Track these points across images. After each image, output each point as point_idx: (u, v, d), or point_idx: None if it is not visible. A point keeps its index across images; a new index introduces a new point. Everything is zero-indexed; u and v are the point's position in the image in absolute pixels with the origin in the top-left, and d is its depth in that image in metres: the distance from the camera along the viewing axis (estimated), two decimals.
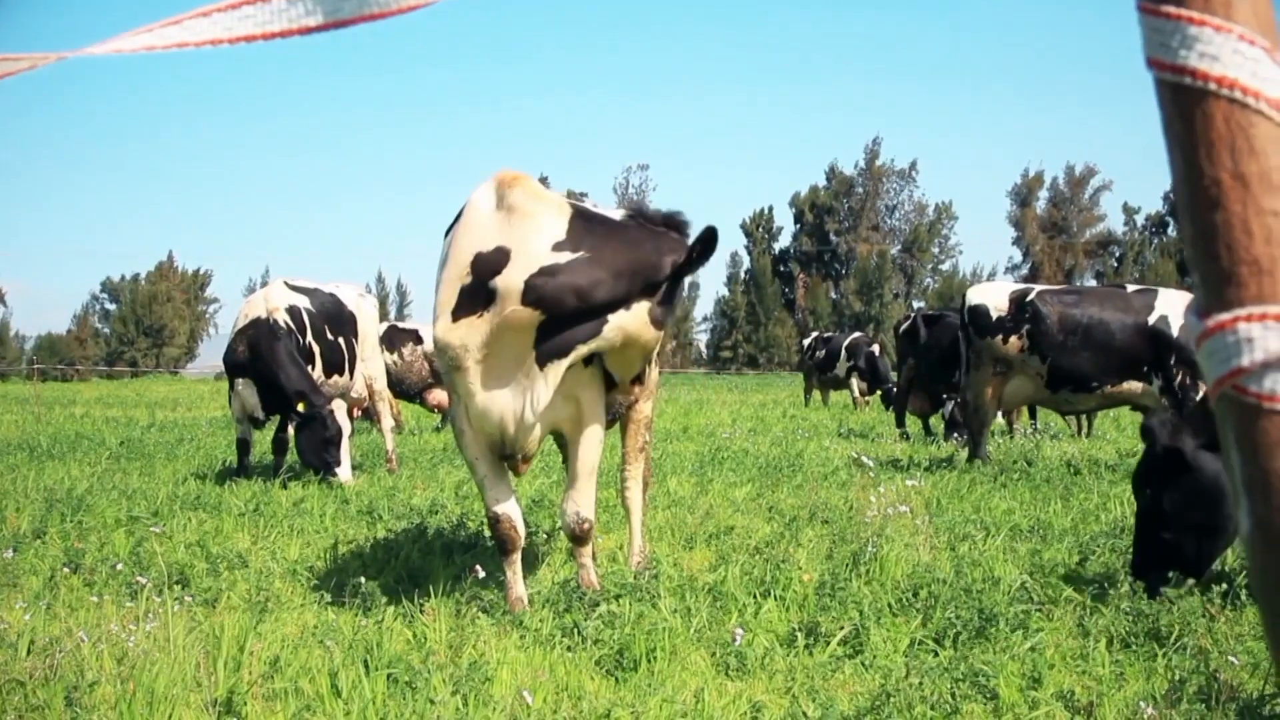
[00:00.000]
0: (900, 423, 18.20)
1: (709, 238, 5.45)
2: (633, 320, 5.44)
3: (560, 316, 5.38)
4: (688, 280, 5.91)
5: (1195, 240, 0.82)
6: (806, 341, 30.98)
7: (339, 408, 11.47)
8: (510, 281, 5.33)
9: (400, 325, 19.65)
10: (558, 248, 5.36)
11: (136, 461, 13.57)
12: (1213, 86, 0.81)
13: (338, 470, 11.27)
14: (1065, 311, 11.99)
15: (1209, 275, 0.82)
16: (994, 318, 12.29)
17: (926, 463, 12.95)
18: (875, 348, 27.03)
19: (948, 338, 16.90)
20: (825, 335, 30.35)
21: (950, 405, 15.98)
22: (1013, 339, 12.15)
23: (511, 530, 5.86)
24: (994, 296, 12.56)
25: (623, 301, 5.40)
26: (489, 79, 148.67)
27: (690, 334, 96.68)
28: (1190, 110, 0.82)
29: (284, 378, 11.42)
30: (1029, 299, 12.18)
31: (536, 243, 5.37)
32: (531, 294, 5.31)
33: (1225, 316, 0.80)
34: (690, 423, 20.90)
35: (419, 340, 18.85)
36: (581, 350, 5.49)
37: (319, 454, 11.35)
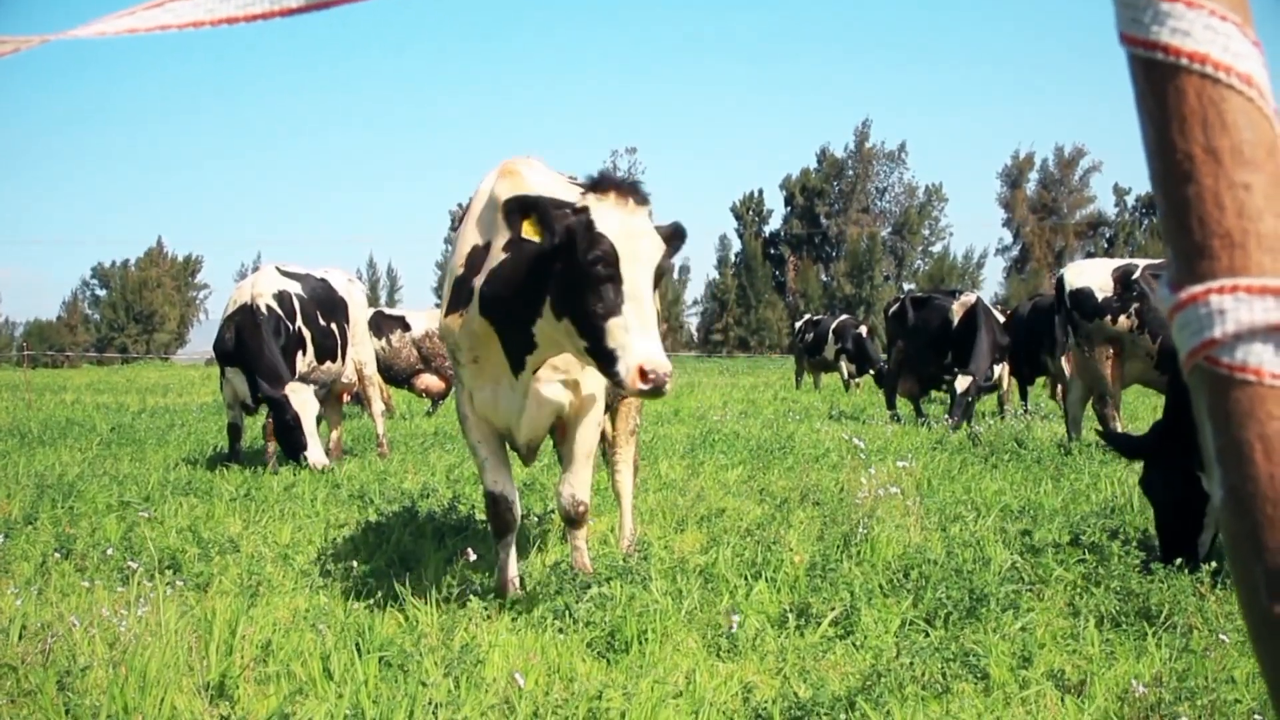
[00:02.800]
0: (891, 404, 18.20)
1: (519, 207, 4.85)
2: (551, 327, 5.04)
3: (503, 327, 5.25)
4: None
5: (1168, 214, 0.83)
6: (797, 325, 30.94)
7: (296, 390, 11.27)
8: (478, 285, 5.28)
9: (387, 312, 19.56)
10: (505, 248, 5.18)
11: (127, 447, 13.55)
12: (1185, 62, 0.81)
13: (306, 454, 11.06)
14: None
15: (1181, 248, 0.83)
16: (1100, 298, 11.98)
17: (917, 444, 12.97)
18: (863, 329, 26.92)
19: (936, 320, 16.89)
20: (815, 318, 30.24)
21: (967, 383, 15.81)
22: (1122, 318, 11.84)
23: (507, 512, 5.82)
24: (1096, 277, 12.19)
25: (537, 307, 5.03)
26: (478, 63, 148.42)
27: (681, 317, 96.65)
28: (1162, 85, 0.83)
29: (256, 366, 11.35)
30: (1135, 277, 11.87)
31: (499, 242, 5.23)
32: (482, 303, 5.25)
33: (1197, 289, 0.81)
34: (681, 406, 20.91)
35: (406, 327, 18.81)
36: (530, 360, 5.33)
37: (286, 440, 11.23)
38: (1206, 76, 0.81)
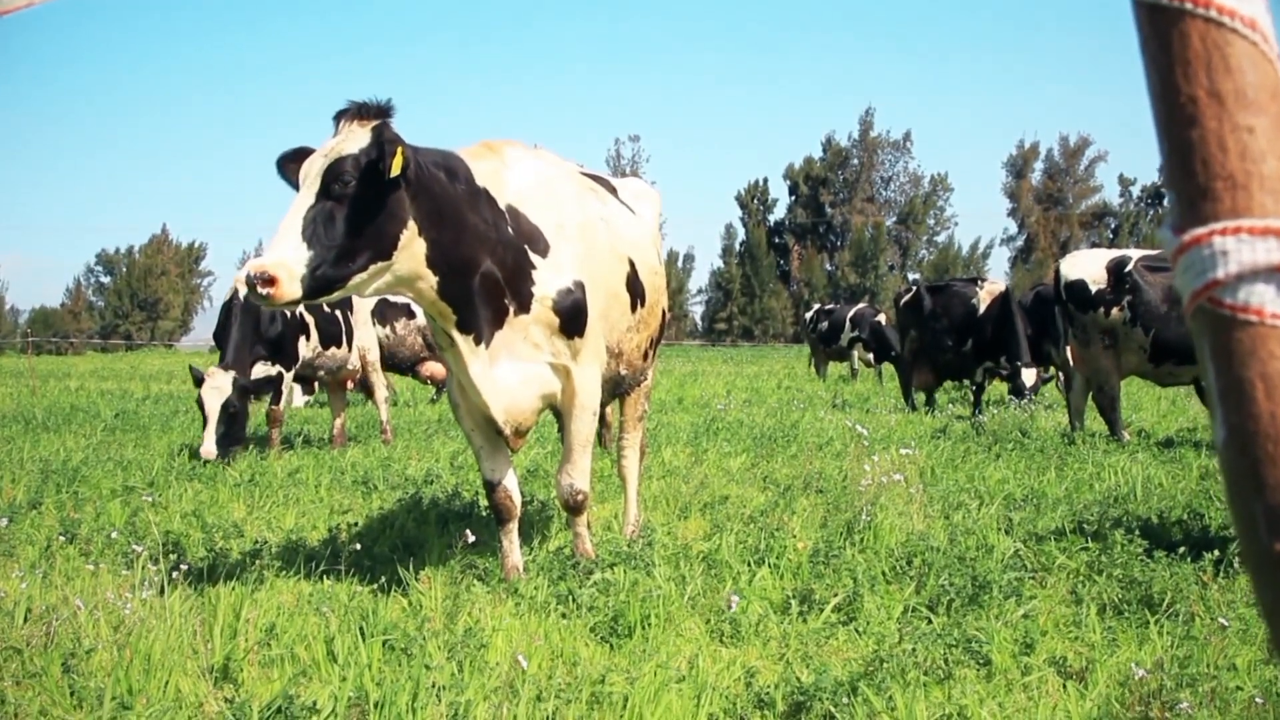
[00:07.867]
0: (908, 396, 18.00)
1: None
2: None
3: None
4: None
5: (1171, 157, 0.84)
6: (807, 315, 30.40)
7: (212, 375, 10.94)
8: None
9: (391, 299, 19.47)
10: None
11: (131, 433, 13.58)
12: (1189, 6, 0.82)
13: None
14: (1168, 280, 11.38)
15: (1185, 191, 0.83)
16: (1094, 291, 11.94)
17: (921, 432, 12.97)
18: (881, 318, 26.46)
19: (958, 307, 16.53)
20: (826, 308, 29.54)
21: (1034, 377, 15.53)
22: (1114, 311, 11.79)
23: (507, 500, 5.78)
24: (1090, 268, 12.15)
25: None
26: (482, 49, 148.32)
27: (685, 306, 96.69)
28: (1167, 30, 0.83)
29: (229, 348, 11.26)
30: (1127, 269, 11.82)
31: None
32: None
33: (1201, 231, 0.82)
34: (685, 394, 20.92)
35: (411, 314, 18.77)
36: (475, 318, 5.28)
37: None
38: (1211, 20, 0.81)
